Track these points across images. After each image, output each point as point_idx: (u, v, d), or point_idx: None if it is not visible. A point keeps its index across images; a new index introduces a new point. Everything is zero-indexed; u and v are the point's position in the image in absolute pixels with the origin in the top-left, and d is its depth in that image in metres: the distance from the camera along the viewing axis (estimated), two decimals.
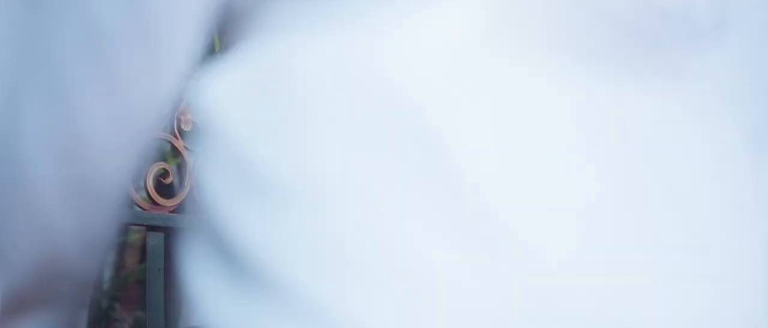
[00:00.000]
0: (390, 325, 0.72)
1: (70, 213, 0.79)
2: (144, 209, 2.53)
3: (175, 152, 2.69)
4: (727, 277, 0.79)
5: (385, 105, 0.74)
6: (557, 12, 0.75)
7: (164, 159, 3.73)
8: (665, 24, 0.79)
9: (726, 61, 0.83)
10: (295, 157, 0.78)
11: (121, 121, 0.78)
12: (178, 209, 2.57)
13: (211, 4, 0.80)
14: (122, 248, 4.40)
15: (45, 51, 0.77)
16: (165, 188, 2.62)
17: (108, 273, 4.54)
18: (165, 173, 2.57)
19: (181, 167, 3.28)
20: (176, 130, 2.58)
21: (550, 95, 0.75)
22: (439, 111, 0.74)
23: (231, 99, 0.83)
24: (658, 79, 0.80)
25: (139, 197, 2.54)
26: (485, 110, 0.73)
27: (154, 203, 2.53)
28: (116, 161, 0.81)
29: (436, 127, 0.71)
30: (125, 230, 3.98)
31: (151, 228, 2.54)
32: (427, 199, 0.74)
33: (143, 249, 3.31)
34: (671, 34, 0.79)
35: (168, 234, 2.58)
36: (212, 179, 0.84)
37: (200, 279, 0.85)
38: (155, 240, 2.55)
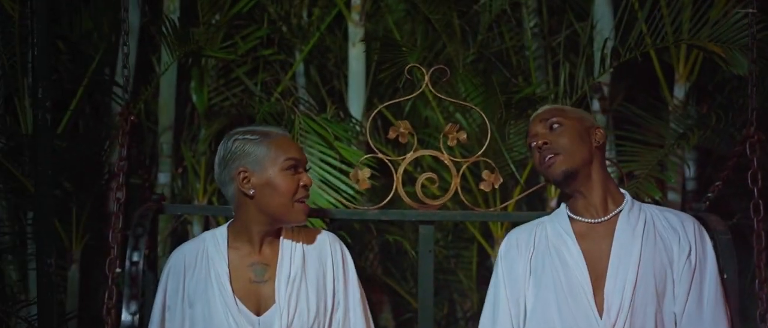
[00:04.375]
0: None
1: None
2: (415, 208, 3.25)
3: (443, 164, 3.30)
4: None
5: None
6: None
7: (432, 169, 4.37)
8: None
9: None
10: None
11: None
12: (442, 208, 3.25)
13: None
14: None
15: None
16: (432, 192, 3.25)
17: None
18: (432, 180, 3.26)
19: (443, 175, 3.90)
20: (442, 147, 3.25)
21: None
22: None
23: None
24: None
25: (411, 200, 3.24)
26: None
27: (423, 203, 3.24)
28: None
29: None
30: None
31: (423, 222, 3.26)
32: None
33: None
34: None
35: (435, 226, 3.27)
36: None
37: None
38: (426, 230, 3.26)
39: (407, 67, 3.31)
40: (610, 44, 4.57)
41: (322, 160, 4.39)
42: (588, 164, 2.91)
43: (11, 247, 4.77)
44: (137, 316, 2.99)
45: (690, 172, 5.20)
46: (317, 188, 4.26)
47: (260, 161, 2.87)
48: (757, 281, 2.94)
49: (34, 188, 4.14)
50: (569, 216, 2.96)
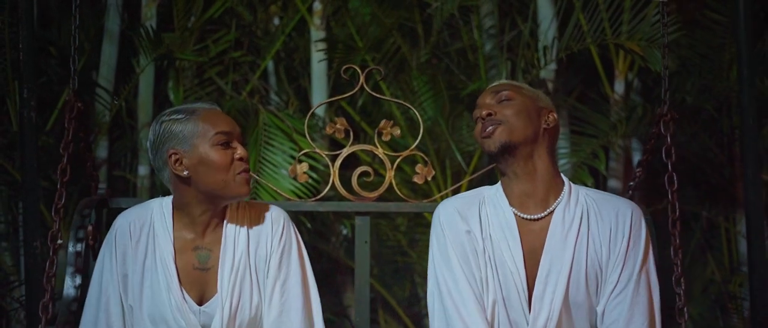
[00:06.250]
0: None
1: None
2: (351, 200, 3.30)
3: (376, 158, 3.55)
4: None
5: None
6: None
7: (368, 163, 4.72)
8: None
9: None
10: None
11: None
12: (379, 199, 3.30)
13: None
14: None
15: None
16: (368, 184, 3.39)
17: None
18: (368, 173, 3.35)
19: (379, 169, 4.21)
20: (377, 142, 3.35)
21: None
22: None
23: None
24: None
25: (348, 192, 3.29)
26: None
27: (359, 195, 3.30)
28: None
29: None
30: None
31: (359, 213, 3.30)
32: None
33: None
34: None
35: (372, 217, 3.33)
36: None
37: None
38: (362, 221, 3.30)
39: (344, 68, 3.37)
40: (541, 44, 4.88)
41: (289, 155, 4.78)
42: (530, 143, 2.74)
43: (5, 234, 5.05)
44: (79, 290, 2.99)
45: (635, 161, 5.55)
46: (282, 177, 4.66)
47: (189, 139, 2.66)
48: (672, 248, 3.00)
49: (21, 179, 4.38)
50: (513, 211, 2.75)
